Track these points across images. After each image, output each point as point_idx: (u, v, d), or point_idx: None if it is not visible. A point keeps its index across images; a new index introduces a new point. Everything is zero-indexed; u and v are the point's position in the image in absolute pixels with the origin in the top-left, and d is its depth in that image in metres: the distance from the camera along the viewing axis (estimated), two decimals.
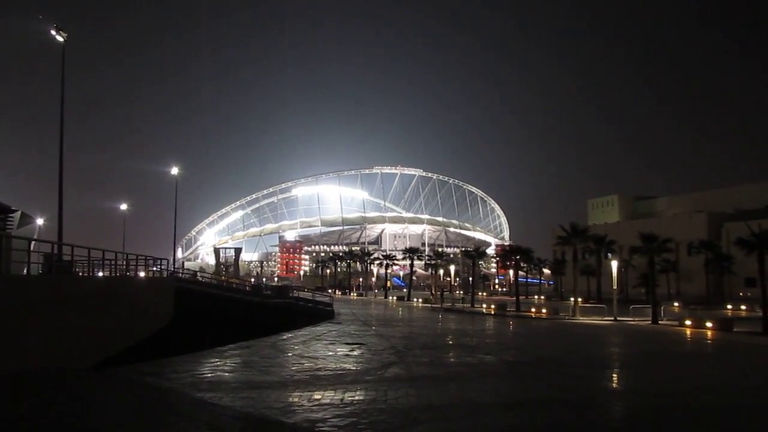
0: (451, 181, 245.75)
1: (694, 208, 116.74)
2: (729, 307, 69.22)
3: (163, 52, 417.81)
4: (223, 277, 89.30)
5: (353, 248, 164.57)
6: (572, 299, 62.88)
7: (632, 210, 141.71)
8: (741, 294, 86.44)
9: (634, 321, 48.97)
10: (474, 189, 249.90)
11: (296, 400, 14.24)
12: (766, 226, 48.54)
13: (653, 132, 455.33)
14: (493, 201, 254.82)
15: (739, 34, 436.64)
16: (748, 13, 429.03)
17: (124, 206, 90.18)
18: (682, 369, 23.04)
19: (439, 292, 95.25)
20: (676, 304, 72.81)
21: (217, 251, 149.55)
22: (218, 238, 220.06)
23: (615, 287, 54.63)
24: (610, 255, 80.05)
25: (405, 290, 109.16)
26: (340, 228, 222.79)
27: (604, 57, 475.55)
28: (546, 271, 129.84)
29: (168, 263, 48.40)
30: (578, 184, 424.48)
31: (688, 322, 43.51)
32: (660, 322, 47.18)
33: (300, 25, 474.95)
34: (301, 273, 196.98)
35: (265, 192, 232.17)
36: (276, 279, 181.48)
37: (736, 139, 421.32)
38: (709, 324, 41.39)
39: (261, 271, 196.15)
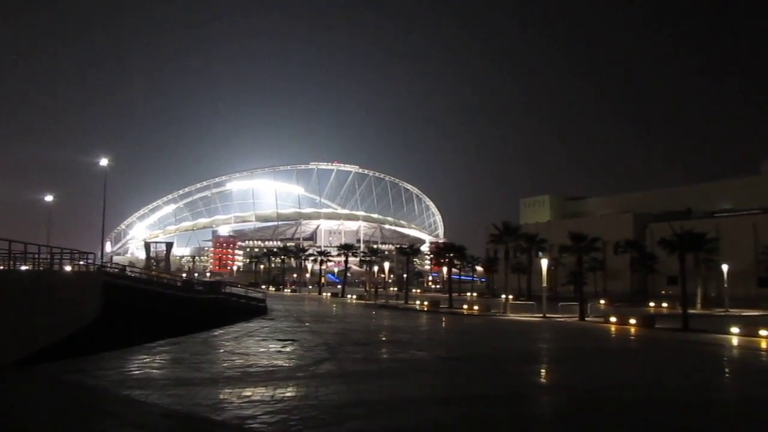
0: (387, 179, 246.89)
1: (622, 209, 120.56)
2: (652, 304, 71.86)
3: (93, 42, 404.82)
4: (153, 272, 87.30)
5: (288, 244, 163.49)
6: (504, 296, 64.09)
7: (563, 210, 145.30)
8: (663, 292, 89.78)
9: (562, 318, 50.28)
10: (410, 186, 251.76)
11: (226, 396, 14.05)
12: (687, 228, 50.64)
13: (585, 134, 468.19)
14: (428, 199, 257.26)
15: (674, 40, 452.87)
16: (684, 22, 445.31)
17: (49, 198, 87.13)
18: (606, 365, 23.80)
19: (373, 289, 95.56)
20: (602, 301, 75.16)
21: (147, 245, 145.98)
22: (149, 232, 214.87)
23: (545, 285, 55.94)
24: (540, 253, 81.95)
25: (339, 286, 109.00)
26: (275, 223, 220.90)
27: (539, 58, 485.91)
28: (479, 268, 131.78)
29: (95, 257, 46.94)
30: (512, 183, 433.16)
31: (613, 319, 44.94)
32: (587, 319, 48.59)
33: (232, 17, 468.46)
34: (235, 268, 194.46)
35: (198, 186, 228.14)
36: (208, 274, 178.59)
37: (663, 144, 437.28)
38: (632, 321, 42.89)
39: (193, 266, 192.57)
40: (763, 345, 32.17)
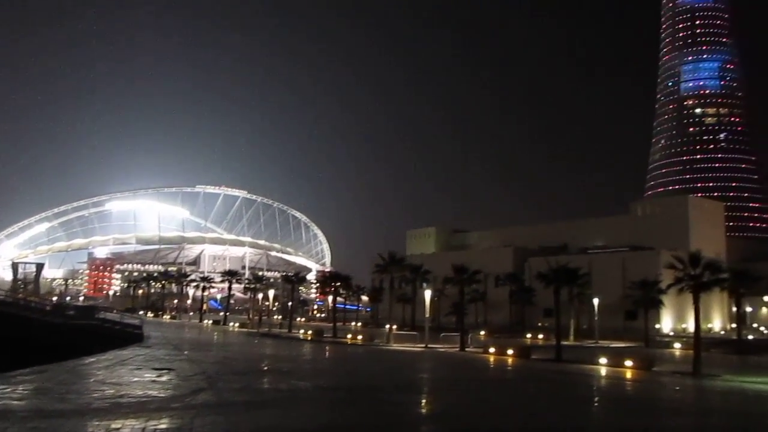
0: (275, 205, 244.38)
1: (503, 243, 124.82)
2: (529, 335, 74.47)
3: None
4: (20, 295, 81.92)
5: (170, 268, 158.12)
6: (388, 326, 64.59)
7: (448, 242, 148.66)
8: (540, 323, 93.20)
9: (444, 348, 51.20)
10: (298, 214, 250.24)
11: (93, 429, 13.32)
12: (562, 263, 53.10)
13: (472, 169, 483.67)
14: (316, 227, 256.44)
15: (552, 86, 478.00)
16: (567, 70, 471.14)
17: None
18: (484, 395, 24.40)
19: (257, 317, 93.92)
20: (482, 332, 77.17)
21: (15, 266, 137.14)
22: (18, 251, 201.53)
23: (428, 315, 56.84)
24: (425, 284, 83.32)
25: (222, 314, 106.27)
26: (157, 247, 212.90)
27: (427, 95, 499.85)
28: (365, 298, 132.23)
29: None
30: (400, 215, 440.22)
31: (492, 350, 46.25)
32: (467, 349, 49.73)
33: (114, 33, 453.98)
34: (111, 293, 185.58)
35: (75, 204, 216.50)
36: (82, 298, 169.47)
37: (543, 183, 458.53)
38: (510, 351, 44.30)
39: (66, 289, 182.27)
40: (628, 375, 34.06)
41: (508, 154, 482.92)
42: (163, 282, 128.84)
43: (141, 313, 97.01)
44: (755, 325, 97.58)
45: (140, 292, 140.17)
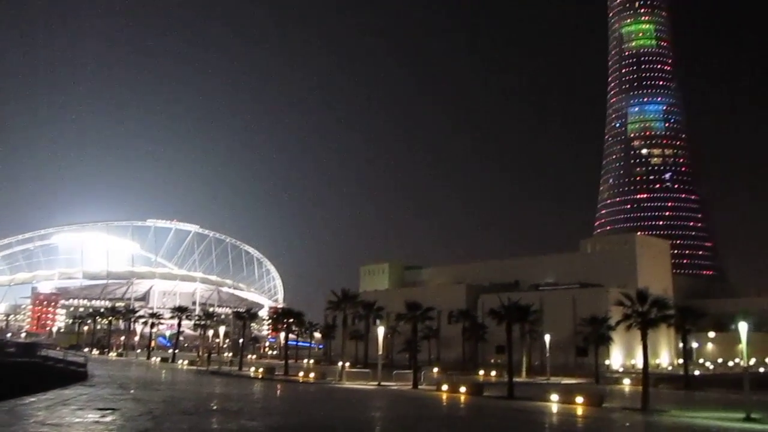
0: (228, 240, 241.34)
1: (456, 280, 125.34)
2: (481, 372, 74.55)
3: None
4: None
5: (118, 304, 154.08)
6: (340, 363, 63.94)
7: (402, 278, 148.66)
8: (492, 360, 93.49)
9: (396, 386, 50.82)
10: (251, 249, 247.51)
11: None
12: (514, 299, 53.56)
13: (426, 205, 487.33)
14: (269, 263, 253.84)
15: (505, 128, 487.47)
16: (525, 111, 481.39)
17: None
18: None
19: (206, 354, 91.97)
20: (435, 369, 76.91)
21: None
22: None
23: (380, 352, 56.48)
24: (378, 321, 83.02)
25: (171, 351, 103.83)
26: (105, 282, 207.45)
27: (381, 134, 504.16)
28: (317, 334, 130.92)
29: None
30: (354, 250, 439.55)
31: (444, 387, 46.07)
32: (420, 386, 49.46)
33: (62, 59, 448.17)
34: (55, 329, 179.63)
35: (20, 237, 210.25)
36: (24, 335, 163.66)
37: (496, 220, 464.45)
38: (462, 389, 44.20)
39: (7, 325, 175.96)
40: (579, 411, 34.30)
41: (461, 191, 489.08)
42: (110, 318, 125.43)
43: (86, 350, 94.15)
44: (701, 361, 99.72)
45: (86, 328, 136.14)
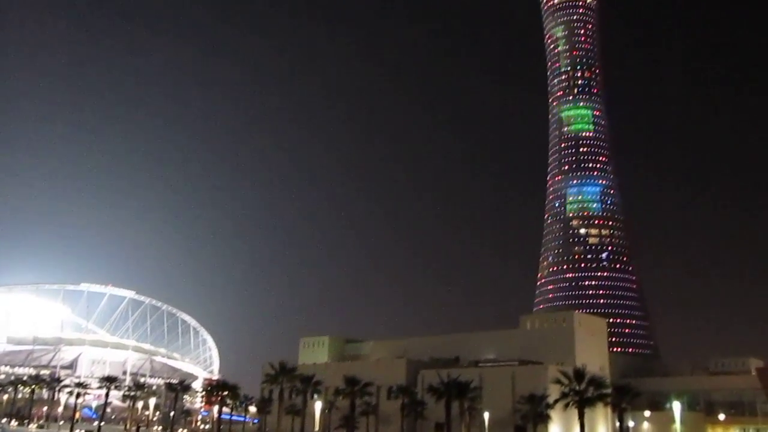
0: (164, 307, 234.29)
1: (397, 354, 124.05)
2: None
3: None
4: None
5: (42, 372, 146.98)
6: None
7: (342, 351, 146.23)
8: None
9: None
10: (187, 317, 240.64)
11: None
12: (454, 376, 53.24)
13: (369, 280, 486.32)
14: (206, 332, 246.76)
15: (445, 203, 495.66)
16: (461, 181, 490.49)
17: None
18: None
19: (135, 428, 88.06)
20: None
21: None
22: None
23: (317, 429, 54.98)
24: (316, 395, 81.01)
25: (96, 423, 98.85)
26: (31, 347, 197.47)
27: (323, 203, 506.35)
28: (252, 408, 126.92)
29: None
30: (294, 321, 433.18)
31: None
32: None
33: None
34: None
35: None
36: None
37: (438, 294, 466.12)
38: None
39: None
40: None
41: (403, 266, 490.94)
42: (33, 386, 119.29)
43: (4, 421, 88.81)
44: None
45: (5, 397, 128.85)
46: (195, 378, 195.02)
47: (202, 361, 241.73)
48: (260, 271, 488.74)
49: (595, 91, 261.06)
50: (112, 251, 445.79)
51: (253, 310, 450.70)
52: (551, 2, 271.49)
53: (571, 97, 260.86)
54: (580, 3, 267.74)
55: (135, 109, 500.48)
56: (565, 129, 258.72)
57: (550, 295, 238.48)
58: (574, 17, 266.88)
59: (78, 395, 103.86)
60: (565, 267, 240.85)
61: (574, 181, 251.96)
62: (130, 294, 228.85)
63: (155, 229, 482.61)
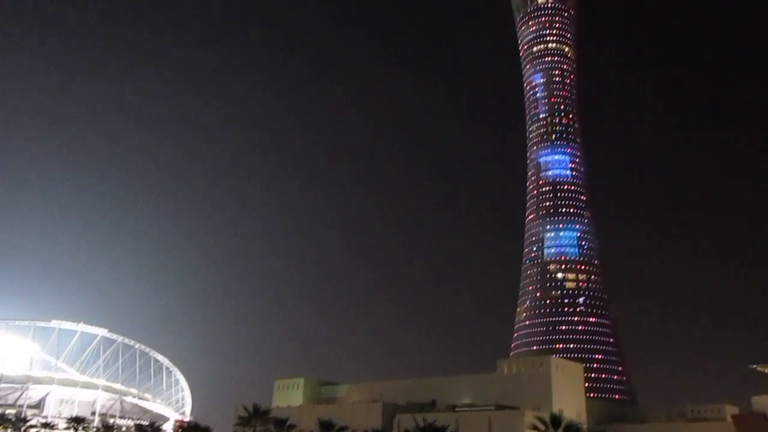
0: (137, 346, 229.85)
1: (372, 397, 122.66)
2: None
3: None
4: None
5: (8, 411, 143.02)
6: None
7: (317, 394, 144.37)
8: None
9: None
10: (160, 357, 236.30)
11: None
12: (430, 420, 52.66)
13: (345, 322, 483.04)
14: (179, 372, 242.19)
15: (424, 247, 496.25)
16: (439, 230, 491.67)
17: None
18: None
19: None
20: None
21: None
22: None
23: None
24: None
25: None
26: None
27: (300, 242, 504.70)
28: None
29: None
30: (269, 363, 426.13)
31: None
32: None
33: None
34: None
35: None
36: None
37: (414, 337, 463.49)
38: None
39: None
40: None
41: (380, 308, 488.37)
42: None
43: None
44: None
45: None
46: (166, 419, 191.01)
47: (174, 402, 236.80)
48: (235, 311, 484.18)
49: (573, 137, 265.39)
50: (86, 288, 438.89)
51: (227, 350, 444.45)
52: (530, 50, 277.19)
53: (549, 143, 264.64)
54: (558, 51, 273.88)
55: (103, 141, 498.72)
56: (543, 174, 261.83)
57: (528, 339, 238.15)
58: (553, 65, 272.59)
59: None
60: (542, 311, 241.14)
61: (552, 226, 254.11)
62: (102, 332, 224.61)
63: (130, 267, 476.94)
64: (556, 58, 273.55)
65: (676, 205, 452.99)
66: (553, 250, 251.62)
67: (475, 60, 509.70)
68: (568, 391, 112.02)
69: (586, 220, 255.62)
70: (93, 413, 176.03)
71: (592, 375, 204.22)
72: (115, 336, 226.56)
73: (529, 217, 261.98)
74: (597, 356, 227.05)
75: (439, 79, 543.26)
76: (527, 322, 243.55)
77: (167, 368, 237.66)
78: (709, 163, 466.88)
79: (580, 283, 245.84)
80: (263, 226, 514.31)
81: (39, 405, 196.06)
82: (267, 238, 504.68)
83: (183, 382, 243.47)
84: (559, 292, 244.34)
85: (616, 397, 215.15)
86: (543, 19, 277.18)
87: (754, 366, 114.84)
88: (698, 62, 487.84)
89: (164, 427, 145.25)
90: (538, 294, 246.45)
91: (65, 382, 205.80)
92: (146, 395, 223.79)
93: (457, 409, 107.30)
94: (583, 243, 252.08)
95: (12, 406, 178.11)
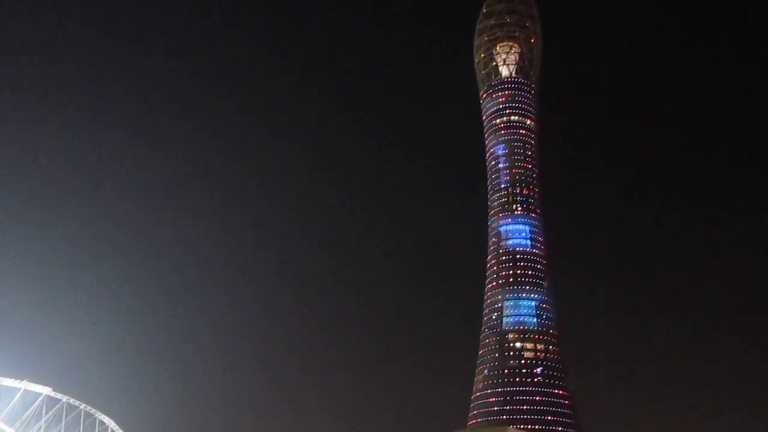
0: (82, 407, 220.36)
1: None
2: None
3: None
4: None
5: None
6: None
7: None
8: None
9: None
10: (106, 419, 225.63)
11: None
12: None
13: (293, 388, 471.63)
14: None
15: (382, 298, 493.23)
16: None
17: None
18: None
19: None
20: None
21: None
22: None
23: None
24: None
25: None
26: None
27: (265, 314, 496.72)
28: None
29: None
30: (223, 426, 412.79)
31: None
32: None
33: None
34: None
35: None
36: None
37: (369, 403, 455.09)
38: None
39: None
40: None
41: (328, 374, 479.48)
42: None
43: None
44: None
45: None
46: None
47: None
48: (186, 373, 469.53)
49: (533, 207, 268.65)
50: (31, 344, 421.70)
51: (176, 413, 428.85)
52: (493, 122, 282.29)
53: (509, 213, 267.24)
54: (521, 124, 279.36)
55: (52, 188, 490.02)
56: (503, 243, 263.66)
57: (485, 409, 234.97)
58: (515, 137, 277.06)
59: None
60: (500, 380, 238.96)
61: (511, 295, 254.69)
62: (46, 390, 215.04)
63: (78, 323, 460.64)
64: (519, 131, 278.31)
65: (637, 277, 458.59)
66: (511, 319, 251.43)
67: (439, 128, 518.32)
68: None
69: (545, 290, 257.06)
70: None
71: None
72: (59, 395, 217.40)
73: (489, 286, 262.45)
74: (555, 428, 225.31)
75: (403, 146, 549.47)
76: (485, 392, 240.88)
77: (113, 430, 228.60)
78: (667, 234, 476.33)
79: (539, 353, 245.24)
80: (223, 290, 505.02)
81: None
82: (224, 297, 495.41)
83: None
84: (517, 361, 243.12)
85: None
86: (506, 92, 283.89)
87: None
88: (655, 133, 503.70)
89: None
90: (495, 363, 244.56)
91: None
92: None
93: None
94: (542, 312, 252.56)
95: None
